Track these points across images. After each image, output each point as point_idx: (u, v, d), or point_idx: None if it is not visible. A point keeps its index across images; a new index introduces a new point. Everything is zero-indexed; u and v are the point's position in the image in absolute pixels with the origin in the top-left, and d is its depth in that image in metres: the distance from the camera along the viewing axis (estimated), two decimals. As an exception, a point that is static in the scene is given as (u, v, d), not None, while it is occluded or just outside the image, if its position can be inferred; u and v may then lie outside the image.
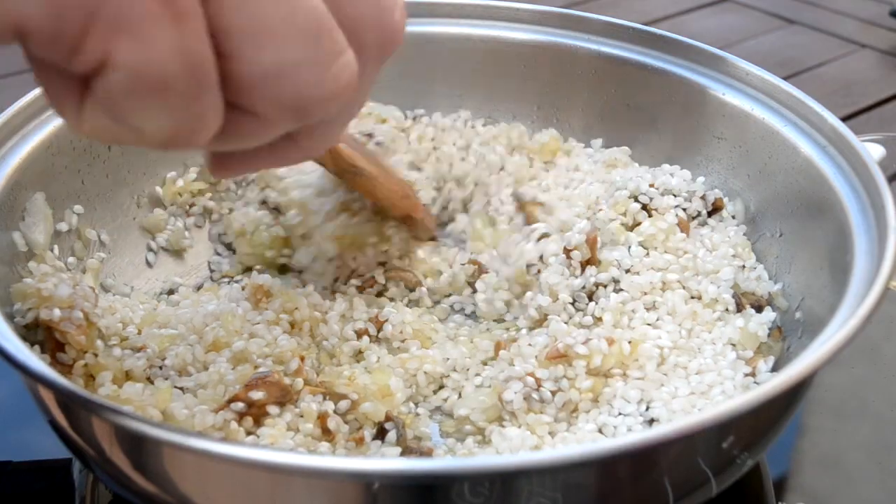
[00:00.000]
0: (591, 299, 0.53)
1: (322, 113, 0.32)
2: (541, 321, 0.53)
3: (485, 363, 0.52)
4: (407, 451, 0.46)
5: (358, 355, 0.52)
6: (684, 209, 0.57)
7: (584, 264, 0.54)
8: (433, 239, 0.61)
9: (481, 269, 0.58)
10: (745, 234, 0.58)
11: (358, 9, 0.33)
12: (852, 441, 0.54)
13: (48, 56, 0.28)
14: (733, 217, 0.59)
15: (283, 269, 0.59)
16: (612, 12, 1.05)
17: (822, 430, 0.55)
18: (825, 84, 0.95)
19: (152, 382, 0.47)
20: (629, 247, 0.54)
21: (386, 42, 0.34)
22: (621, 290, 0.52)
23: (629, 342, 0.49)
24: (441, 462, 0.43)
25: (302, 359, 0.48)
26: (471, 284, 0.58)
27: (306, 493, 0.37)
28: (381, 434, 0.47)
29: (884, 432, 0.56)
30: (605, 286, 0.53)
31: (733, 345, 0.51)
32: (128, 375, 0.47)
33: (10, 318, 0.46)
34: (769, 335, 0.52)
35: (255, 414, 0.45)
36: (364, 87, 0.35)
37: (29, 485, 0.49)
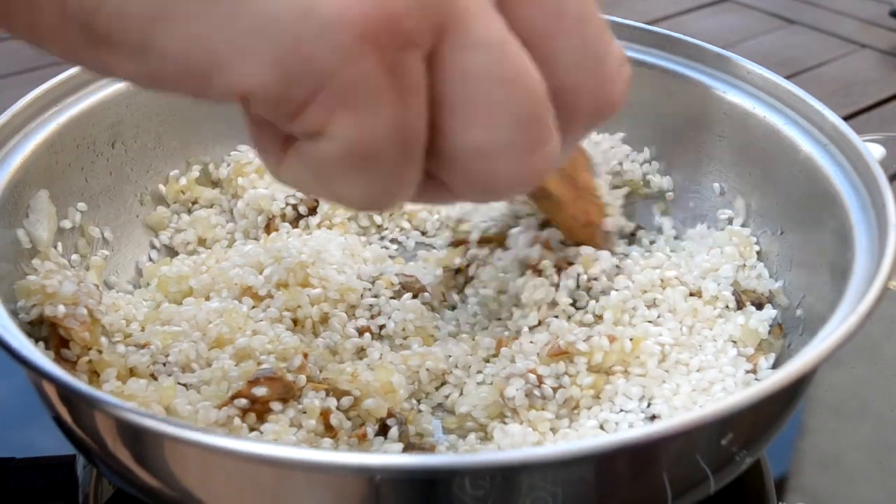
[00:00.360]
0: (589, 296, 0.53)
1: (510, 196, 0.32)
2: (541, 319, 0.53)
3: (486, 360, 0.52)
4: (409, 448, 0.47)
5: (360, 352, 0.52)
6: None
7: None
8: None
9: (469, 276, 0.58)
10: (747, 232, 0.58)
11: (576, 78, 0.31)
12: (853, 441, 0.55)
13: (265, 115, 0.28)
14: (734, 217, 0.59)
15: None
16: (613, 12, 1.05)
17: (822, 429, 0.55)
18: (825, 84, 0.95)
19: (156, 379, 0.47)
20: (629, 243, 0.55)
21: (600, 114, 0.32)
22: (614, 290, 0.53)
23: (630, 339, 0.49)
24: (442, 457, 0.43)
25: (305, 356, 0.48)
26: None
27: (308, 487, 0.37)
28: (383, 430, 0.47)
29: (884, 432, 0.56)
30: (597, 279, 0.53)
31: (734, 342, 0.51)
32: (132, 372, 0.47)
33: (14, 314, 0.46)
34: (770, 332, 0.52)
35: (258, 410, 0.45)
36: (562, 156, 0.32)
37: (33, 481, 0.50)
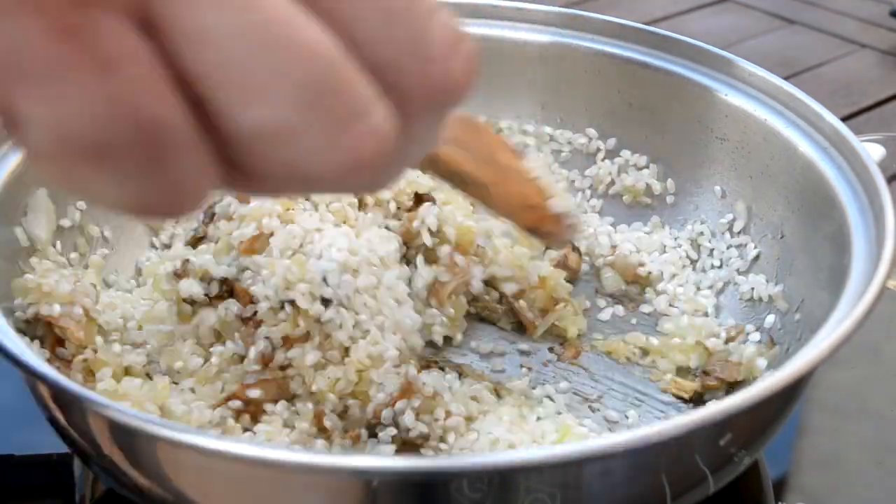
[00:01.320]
0: None
1: (338, 188, 0.26)
2: None
3: None
4: (402, 449, 0.46)
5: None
6: None
7: None
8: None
9: None
10: (749, 237, 0.58)
11: (389, 53, 0.24)
12: (853, 441, 0.54)
13: None
14: (735, 220, 0.59)
15: None
16: (612, 12, 1.05)
17: (822, 429, 0.55)
18: (825, 84, 0.95)
19: (151, 378, 0.47)
20: None
21: (438, 98, 0.26)
22: None
23: None
24: (440, 459, 0.43)
25: None
26: None
27: (304, 490, 0.37)
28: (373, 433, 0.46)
29: (884, 432, 0.55)
30: None
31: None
32: (127, 371, 0.48)
33: (10, 312, 0.46)
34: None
35: (252, 411, 0.45)
36: (412, 147, 0.26)
37: (32, 478, 0.50)
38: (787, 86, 0.57)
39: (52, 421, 0.42)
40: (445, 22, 0.26)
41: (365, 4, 0.24)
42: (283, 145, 0.23)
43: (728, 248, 0.59)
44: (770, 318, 0.54)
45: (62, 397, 0.39)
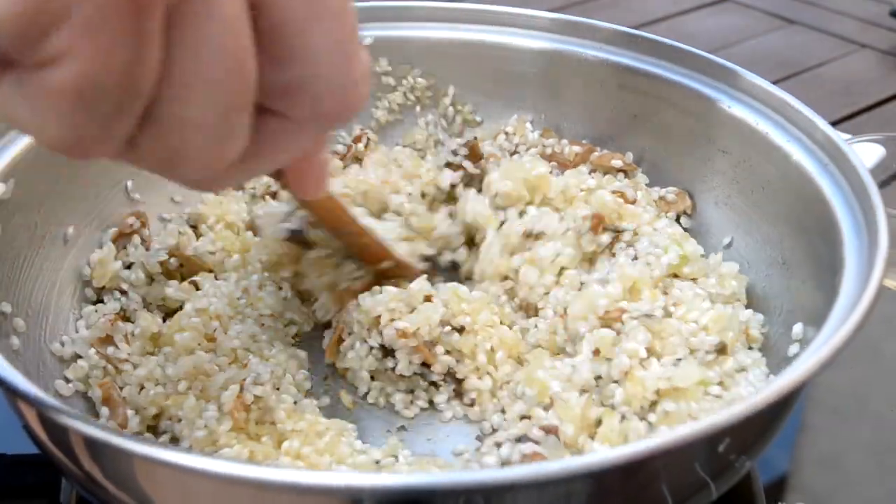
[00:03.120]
0: None
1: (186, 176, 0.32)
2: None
3: None
4: None
5: None
6: None
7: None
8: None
9: None
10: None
11: (326, 70, 0.32)
12: (852, 440, 0.55)
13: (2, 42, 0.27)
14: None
15: None
16: (611, 12, 1.05)
17: (822, 429, 0.56)
18: (825, 84, 0.95)
19: None
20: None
21: (340, 113, 0.33)
22: None
23: None
24: (430, 477, 0.41)
25: None
26: None
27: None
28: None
29: (884, 432, 0.56)
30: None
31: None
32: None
33: None
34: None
35: None
36: (298, 149, 0.34)
37: (21, 477, 0.50)
38: (790, 99, 0.56)
39: (27, 430, 0.42)
40: (364, 48, 0.33)
41: (327, 37, 0.31)
42: (182, 134, 0.29)
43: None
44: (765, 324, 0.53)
45: (40, 414, 0.39)
